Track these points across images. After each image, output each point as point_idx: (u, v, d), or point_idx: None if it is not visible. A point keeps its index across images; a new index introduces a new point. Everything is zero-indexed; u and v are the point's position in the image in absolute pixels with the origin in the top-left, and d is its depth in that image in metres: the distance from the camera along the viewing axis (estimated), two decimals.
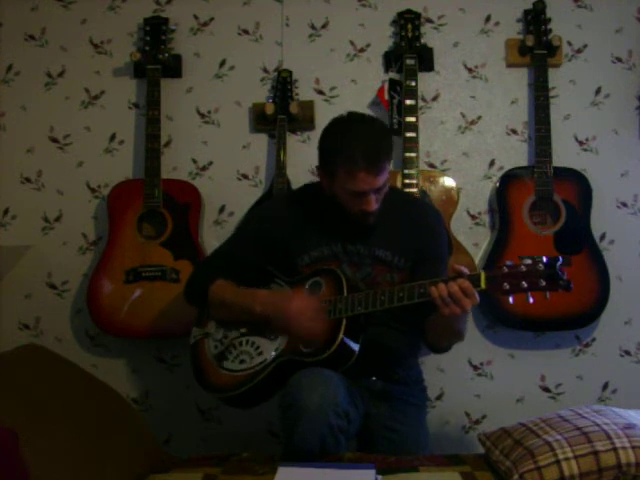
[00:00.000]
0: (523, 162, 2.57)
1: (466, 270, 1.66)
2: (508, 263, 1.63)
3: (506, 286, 1.61)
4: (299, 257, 1.93)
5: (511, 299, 1.63)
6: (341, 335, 1.75)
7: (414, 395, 2.03)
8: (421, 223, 1.96)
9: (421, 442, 1.99)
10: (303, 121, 2.58)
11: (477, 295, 1.63)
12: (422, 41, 2.53)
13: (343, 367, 1.77)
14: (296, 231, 1.94)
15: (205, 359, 1.95)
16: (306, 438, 1.68)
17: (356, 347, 1.78)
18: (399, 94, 2.50)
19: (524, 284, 1.60)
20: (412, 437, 1.97)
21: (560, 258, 1.60)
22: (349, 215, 1.86)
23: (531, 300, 1.62)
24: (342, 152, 1.77)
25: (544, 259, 1.60)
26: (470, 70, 2.61)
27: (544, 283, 1.59)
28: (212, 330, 1.98)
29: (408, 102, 2.46)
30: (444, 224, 2.10)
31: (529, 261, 1.61)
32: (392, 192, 1.99)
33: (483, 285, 1.63)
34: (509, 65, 2.60)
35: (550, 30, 2.51)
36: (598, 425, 1.62)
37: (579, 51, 2.60)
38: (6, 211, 2.64)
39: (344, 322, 1.76)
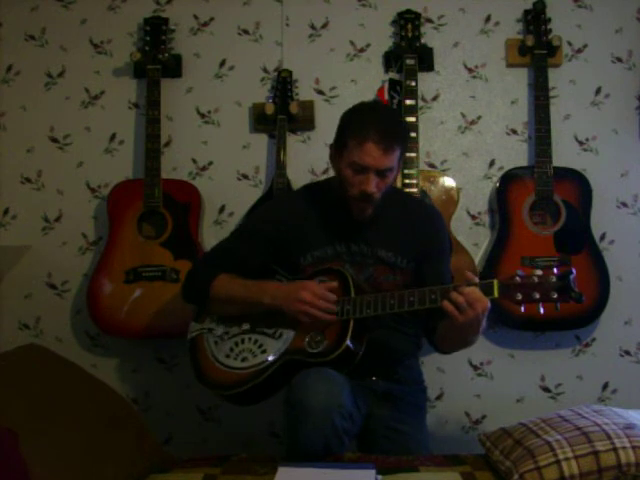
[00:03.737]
0: (523, 162, 2.57)
1: (476, 278, 1.66)
2: (520, 273, 1.64)
3: (518, 296, 1.63)
4: (302, 256, 1.92)
5: (522, 308, 1.65)
6: (348, 339, 1.73)
7: (414, 395, 2.03)
8: (422, 224, 1.96)
9: (422, 443, 1.98)
10: (303, 121, 2.58)
11: (488, 301, 1.63)
12: (422, 41, 2.53)
13: (347, 369, 1.76)
14: (299, 230, 1.93)
15: (204, 355, 1.92)
16: (310, 439, 1.67)
17: (360, 350, 1.77)
18: (399, 94, 2.50)
19: (536, 295, 1.62)
20: (414, 438, 1.96)
21: (573, 270, 1.62)
22: (348, 200, 1.84)
23: (542, 310, 1.63)
24: (357, 123, 1.81)
25: (555, 271, 1.62)
26: (470, 70, 2.61)
27: (556, 295, 1.61)
28: (212, 326, 1.95)
29: (408, 102, 2.46)
30: (445, 224, 2.10)
31: (540, 272, 1.63)
32: (393, 192, 1.99)
33: (496, 294, 1.64)
34: (509, 65, 2.60)
35: (550, 30, 2.51)
36: (598, 425, 1.61)
37: (579, 51, 2.60)
38: (6, 211, 2.64)
39: (351, 324, 1.75)
